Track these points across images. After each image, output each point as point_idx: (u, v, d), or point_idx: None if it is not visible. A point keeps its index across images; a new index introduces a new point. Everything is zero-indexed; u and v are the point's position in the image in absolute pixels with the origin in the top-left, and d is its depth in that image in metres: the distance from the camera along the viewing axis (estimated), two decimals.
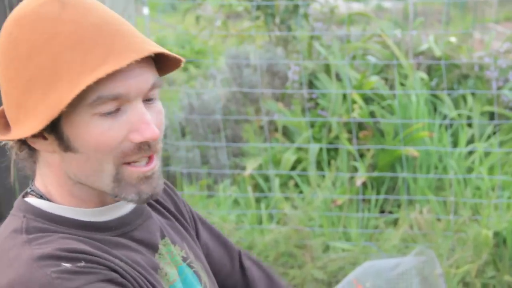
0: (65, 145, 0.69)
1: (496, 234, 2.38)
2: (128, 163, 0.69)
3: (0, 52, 0.70)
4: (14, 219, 0.74)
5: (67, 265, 0.61)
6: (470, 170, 2.61)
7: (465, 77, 2.98)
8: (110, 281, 0.64)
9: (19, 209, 0.75)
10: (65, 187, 0.74)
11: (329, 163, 2.73)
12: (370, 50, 3.08)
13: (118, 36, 0.67)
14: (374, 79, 2.80)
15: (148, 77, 0.68)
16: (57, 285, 0.59)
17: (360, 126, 2.81)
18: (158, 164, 0.73)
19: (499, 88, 2.84)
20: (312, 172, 2.65)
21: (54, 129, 0.68)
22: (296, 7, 3.17)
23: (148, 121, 0.67)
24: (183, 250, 0.83)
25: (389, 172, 2.66)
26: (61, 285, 0.60)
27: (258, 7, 3.22)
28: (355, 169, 2.68)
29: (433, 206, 2.51)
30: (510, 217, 2.36)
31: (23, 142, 0.72)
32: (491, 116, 2.77)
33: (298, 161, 2.79)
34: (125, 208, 0.77)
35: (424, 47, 3.04)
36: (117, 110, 0.67)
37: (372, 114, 2.79)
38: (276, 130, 2.93)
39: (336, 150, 2.83)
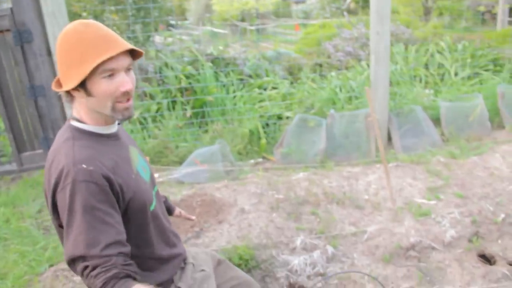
0: (88, 93, 1.30)
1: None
2: (119, 102, 1.32)
3: (57, 49, 1.30)
4: (66, 132, 1.37)
5: (84, 166, 1.26)
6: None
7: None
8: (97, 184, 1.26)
9: (68, 127, 1.38)
10: (89, 114, 1.37)
11: (174, 108, 5.22)
12: (186, 54, 5.80)
13: (113, 41, 1.27)
14: (189, 67, 5.56)
15: (126, 60, 1.30)
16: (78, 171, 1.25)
17: (185, 89, 5.37)
18: (133, 102, 1.33)
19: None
20: (166, 112, 5.24)
21: (82, 86, 1.29)
22: None
23: (127, 81, 1.30)
24: (137, 150, 1.53)
25: (201, 108, 5.27)
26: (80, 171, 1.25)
27: None
28: (185, 109, 5.31)
29: (221, 122, 5.31)
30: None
31: (67, 93, 1.34)
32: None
33: (158, 109, 5.24)
34: (115, 128, 1.44)
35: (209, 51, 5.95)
36: (112, 75, 1.28)
37: (190, 83, 5.45)
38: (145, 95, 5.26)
39: (175, 101, 5.25)
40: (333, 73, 6.14)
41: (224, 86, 5.41)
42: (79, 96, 1.33)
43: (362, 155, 4.63)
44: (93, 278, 1.23)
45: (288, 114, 5.08)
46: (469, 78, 5.93)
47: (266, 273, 2.78)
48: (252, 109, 5.17)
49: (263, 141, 4.78)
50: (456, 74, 6.03)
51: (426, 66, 6.30)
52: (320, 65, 7.10)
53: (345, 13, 9.53)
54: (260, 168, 4.28)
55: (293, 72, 6.63)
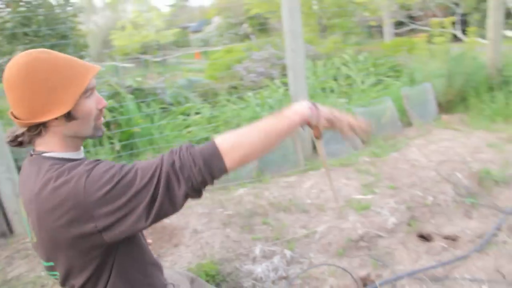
0: (71, 118, 1.25)
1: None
2: (97, 119, 1.34)
3: (21, 80, 1.18)
4: (45, 161, 1.25)
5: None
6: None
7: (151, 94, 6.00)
8: None
9: (46, 159, 1.26)
10: (62, 142, 1.30)
11: (101, 143, 5.16)
12: (105, 88, 5.75)
13: (82, 62, 1.29)
14: (110, 101, 5.52)
15: (94, 79, 1.30)
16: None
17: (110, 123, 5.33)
18: None
19: None
20: (93, 149, 5.14)
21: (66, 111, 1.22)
22: None
23: (101, 98, 1.33)
24: None
25: (128, 140, 5.28)
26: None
27: None
28: (113, 143, 5.24)
29: (151, 152, 5.33)
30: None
31: (35, 127, 1.24)
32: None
33: (85, 145, 5.15)
34: (82, 154, 1.38)
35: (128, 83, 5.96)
36: (91, 94, 1.29)
37: (114, 117, 5.40)
38: None
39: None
40: (250, 93, 6.38)
41: (148, 116, 5.44)
42: (55, 124, 1.26)
43: (292, 165, 4.86)
44: (184, 168, 1.21)
45: (215, 136, 5.20)
46: (374, 85, 6.47)
47: (233, 285, 2.85)
48: (180, 135, 5.24)
49: None
50: (362, 82, 6.55)
51: (335, 78, 6.77)
52: (235, 87, 7.34)
53: (252, 35, 9.92)
54: None
55: (208, 97, 6.79)
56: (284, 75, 7.09)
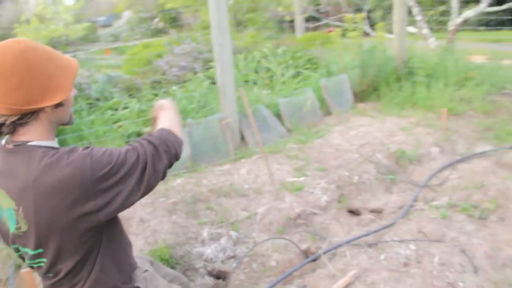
0: (59, 104, 1.34)
1: None
2: (72, 106, 1.44)
3: (18, 68, 1.22)
4: (34, 149, 1.30)
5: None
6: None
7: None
8: None
9: (37, 147, 1.31)
10: (45, 131, 1.36)
11: None
12: None
13: (61, 54, 1.38)
14: None
15: None
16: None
17: None
18: None
19: None
20: None
21: None
22: None
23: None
24: None
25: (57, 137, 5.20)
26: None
27: None
28: None
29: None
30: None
31: (25, 115, 1.29)
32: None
33: None
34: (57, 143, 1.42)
35: None
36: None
37: None
38: None
39: None
40: (174, 87, 6.49)
41: (76, 111, 5.37)
42: (47, 111, 1.32)
43: (223, 155, 5.07)
44: (163, 153, 1.46)
45: (147, 129, 5.27)
46: (294, 77, 6.85)
47: (186, 267, 3.01)
48: (111, 130, 5.24)
49: None
50: (282, 75, 6.90)
51: (256, 71, 7.07)
52: (159, 82, 7.39)
53: (172, 31, 9.93)
54: None
55: (132, 93, 6.80)
56: (208, 68, 7.28)
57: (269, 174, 3.82)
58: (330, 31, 9.13)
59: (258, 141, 3.77)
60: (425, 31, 8.09)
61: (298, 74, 6.97)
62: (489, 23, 12.57)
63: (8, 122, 1.28)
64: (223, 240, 3.23)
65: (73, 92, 1.41)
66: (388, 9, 14.62)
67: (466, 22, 7.79)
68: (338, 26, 9.05)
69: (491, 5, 7.77)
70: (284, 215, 3.49)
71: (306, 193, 3.76)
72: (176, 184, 4.07)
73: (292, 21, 12.02)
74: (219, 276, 3.02)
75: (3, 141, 1.37)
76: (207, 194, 3.80)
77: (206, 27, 9.72)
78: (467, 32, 10.63)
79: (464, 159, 4.06)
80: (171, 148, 1.48)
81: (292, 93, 6.06)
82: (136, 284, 1.61)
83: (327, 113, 6.05)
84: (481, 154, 4.11)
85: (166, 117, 1.65)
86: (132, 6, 22.54)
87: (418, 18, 8.01)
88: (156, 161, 1.42)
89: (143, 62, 8.72)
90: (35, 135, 1.33)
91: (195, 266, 3.03)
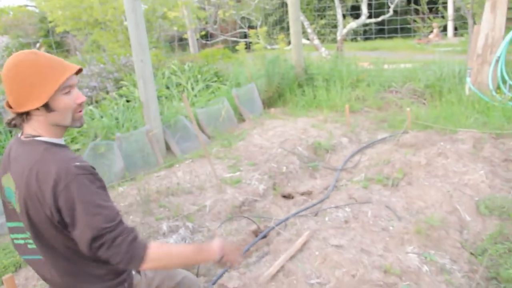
0: (50, 110, 1.49)
1: None
2: (76, 112, 1.57)
3: (9, 77, 1.47)
4: (38, 145, 1.51)
5: (77, 163, 1.45)
6: None
7: None
8: None
9: (37, 141, 1.52)
10: (47, 129, 1.54)
11: None
12: None
13: (65, 63, 1.52)
14: None
15: (75, 78, 1.56)
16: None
17: None
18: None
19: None
20: None
21: (44, 104, 1.48)
22: None
23: (80, 94, 1.57)
24: None
25: None
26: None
27: None
28: None
29: None
30: None
31: (22, 114, 1.51)
32: None
33: None
34: (63, 141, 1.60)
35: None
36: (69, 91, 1.52)
37: None
38: None
39: None
40: (90, 107, 6.62)
41: None
42: (38, 114, 1.51)
43: (153, 165, 5.40)
44: (117, 246, 1.46)
45: (76, 146, 5.41)
46: (204, 90, 7.34)
47: None
48: None
49: None
50: (193, 89, 7.36)
51: (167, 86, 7.44)
52: None
53: (77, 53, 9.86)
54: None
55: None
56: (119, 87, 7.49)
57: (211, 169, 4.26)
58: (222, 47, 9.74)
59: (201, 141, 4.20)
60: (316, 41, 9.08)
61: (207, 87, 7.47)
62: (367, 32, 14.24)
63: (15, 118, 1.55)
64: (181, 231, 3.60)
65: (71, 98, 1.54)
66: (274, 25, 15.81)
67: (350, 32, 8.89)
68: (236, 42, 9.73)
69: (369, 17, 8.99)
70: (230, 204, 3.95)
71: (244, 184, 4.26)
72: (120, 191, 4.34)
73: (182, 39, 12.51)
74: None
75: (19, 134, 1.60)
76: (156, 195, 4.13)
77: (95, 50, 9.84)
78: (347, 42, 11.96)
79: (370, 145, 4.88)
80: (119, 258, 1.48)
81: (207, 104, 6.54)
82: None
83: (241, 120, 6.62)
84: (382, 140, 4.96)
85: (176, 256, 1.61)
86: (9, 32, 21.40)
87: (309, 30, 8.98)
88: (102, 246, 1.47)
89: None
90: (41, 132, 1.55)
91: None
